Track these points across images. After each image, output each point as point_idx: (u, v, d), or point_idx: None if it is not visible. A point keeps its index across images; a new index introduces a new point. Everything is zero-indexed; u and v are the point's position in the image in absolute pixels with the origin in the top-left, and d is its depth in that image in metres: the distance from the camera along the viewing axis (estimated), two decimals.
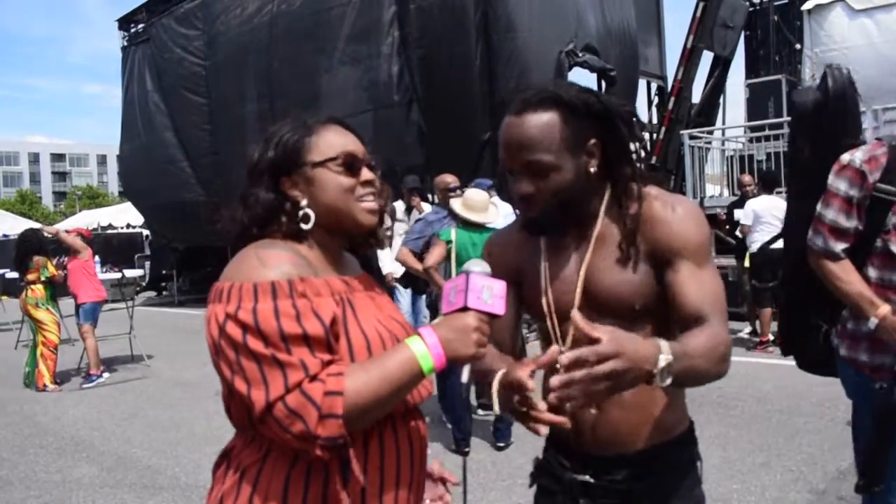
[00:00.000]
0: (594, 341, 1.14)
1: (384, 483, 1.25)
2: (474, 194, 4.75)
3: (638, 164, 1.48)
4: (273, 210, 1.31)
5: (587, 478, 1.30)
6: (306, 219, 1.32)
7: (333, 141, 1.34)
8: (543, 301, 1.51)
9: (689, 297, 1.39)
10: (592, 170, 1.44)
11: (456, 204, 4.72)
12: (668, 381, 1.19)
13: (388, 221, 1.47)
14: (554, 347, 1.35)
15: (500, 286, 1.27)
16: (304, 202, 1.32)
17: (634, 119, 1.49)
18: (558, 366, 1.20)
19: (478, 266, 1.30)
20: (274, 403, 1.12)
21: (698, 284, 1.39)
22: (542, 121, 1.39)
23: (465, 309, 1.24)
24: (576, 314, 1.21)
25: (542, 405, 1.27)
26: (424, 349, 1.21)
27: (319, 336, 1.17)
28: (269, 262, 1.21)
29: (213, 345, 1.18)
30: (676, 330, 1.39)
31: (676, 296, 1.40)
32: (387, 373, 1.18)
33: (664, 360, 1.18)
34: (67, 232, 8.32)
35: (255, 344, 1.14)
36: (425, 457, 1.38)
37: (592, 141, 1.43)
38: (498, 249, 1.65)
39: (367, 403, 1.15)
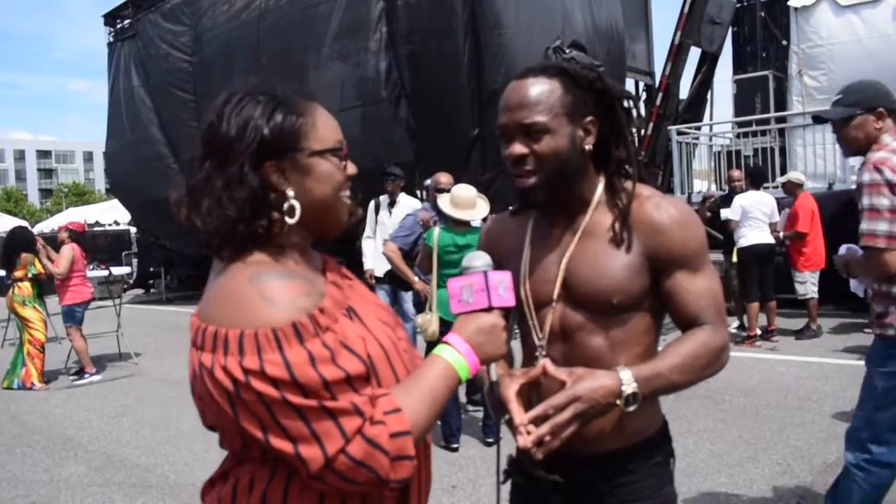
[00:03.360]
0: (561, 383, 1.30)
1: (408, 487, 1.20)
2: (462, 191, 4.60)
3: (637, 156, 1.48)
4: (260, 200, 1.11)
5: (556, 477, 1.32)
6: (291, 212, 1.13)
7: (331, 126, 1.19)
8: (521, 289, 1.50)
9: (687, 306, 1.42)
10: (587, 147, 1.43)
11: (443, 202, 4.62)
12: (635, 406, 1.30)
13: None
14: (542, 361, 1.38)
15: (508, 278, 1.27)
16: (289, 192, 1.13)
17: (633, 107, 1.49)
18: (542, 380, 1.36)
19: (481, 259, 1.29)
20: (335, 458, 1.00)
21: (695, 289, 1.42)
22: (543, 84, 1.41)
23: (488, 309, 1.23)
24: (546, 362, 1.36)
25: (524, 418, 1.31)
26: (459, 357, 1.17)
27: (361, 373, 1.05)
28: (278, 299, 1.03)
29: (226, 401, 1.02)
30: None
31: (674, 303, 1.43)
32: (434, 392, 1.13)
33: (626, 390, 1.29)
34: (59, 228, 8.18)
35: (296, 398, 0.99)
36: (429, 448, 1.35)
37: (590, 118, 1.43)
38: (490, 234, 1.68)
39: (425, 429, 1.12)
